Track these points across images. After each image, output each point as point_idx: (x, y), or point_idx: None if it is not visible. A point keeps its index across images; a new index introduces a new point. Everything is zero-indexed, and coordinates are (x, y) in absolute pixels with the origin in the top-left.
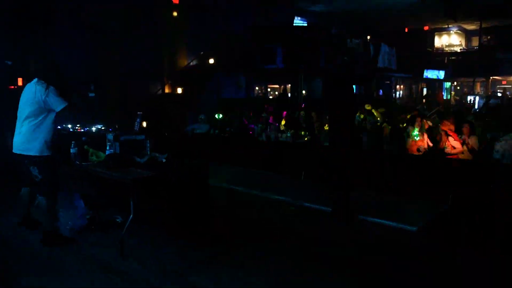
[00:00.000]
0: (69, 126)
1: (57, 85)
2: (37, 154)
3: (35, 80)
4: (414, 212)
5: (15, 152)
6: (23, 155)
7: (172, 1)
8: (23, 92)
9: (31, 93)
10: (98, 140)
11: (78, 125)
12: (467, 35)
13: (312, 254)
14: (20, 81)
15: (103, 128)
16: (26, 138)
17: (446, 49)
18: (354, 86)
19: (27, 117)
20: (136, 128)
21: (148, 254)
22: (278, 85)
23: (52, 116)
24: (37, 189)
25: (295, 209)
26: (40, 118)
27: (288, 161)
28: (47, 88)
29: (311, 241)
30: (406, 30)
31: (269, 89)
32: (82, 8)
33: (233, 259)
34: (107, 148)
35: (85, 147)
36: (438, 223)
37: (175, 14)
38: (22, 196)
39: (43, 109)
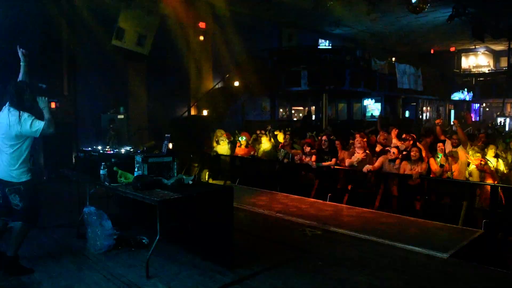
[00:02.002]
0: (99, 148)
1: (28, 106)
2: (17, 181)
3: (6, 107)
4: (445, 238)
5: None
6: (5, 181)
7: (199, 26)
8: (1, 116)
9: (5, 123)
10: (126, 161)
11: (107, 147)
12: (495, 55)
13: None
14: (52, 104)
15: (132, 150)
16: (7, 165)
17: (474, 70)
18: (380, 107)
19: (5, 145)
20: (164, 150)
21: (173, 275)
22: (303, 107)
23: (29, 141)
24: (7, 217)
25: (321, 233)
26: (17, 146)
27: (313, 185)
28: (19, 116)
29: (332, 262)
30: (432, 51)
31: (293, 111)
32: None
33: (259, 283)
34: (136, 169)
35: (114, 168)
36: (471, 250)
37: (201, 38)
38: None
39: (19, 138)
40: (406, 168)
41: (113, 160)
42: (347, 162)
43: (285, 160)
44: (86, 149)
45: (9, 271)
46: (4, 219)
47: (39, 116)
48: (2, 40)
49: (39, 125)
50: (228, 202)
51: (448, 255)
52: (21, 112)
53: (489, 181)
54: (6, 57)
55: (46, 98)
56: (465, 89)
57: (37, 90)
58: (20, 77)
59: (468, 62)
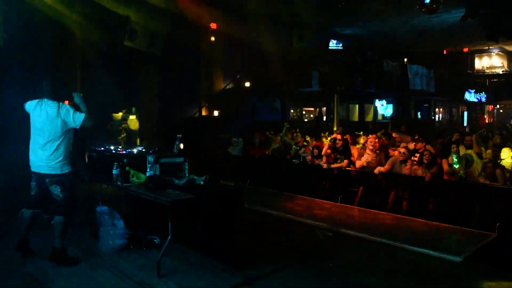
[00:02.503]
0: (112, 148)
1: (66, 99)
2: (59, 172)
3: (44, 100)
4: (458, 241)
5: (34, 170)
6: (44, 173)
7: (210, 26)
8: (33, 111)
9: (44, 116)
10: (139, 162)
11: (120, 147)
12: (509, 56)
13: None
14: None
15: (143, 150)
16: (48, 157)
17: (487, 71)
18: (391, 109)
19: (46, 138)
20: (175, 150)
21: (184, 275)
22: (313, 108)
23: (70, 134)
24: (51, 209)
25: (332, 235)
26: (60, 139)
27: (324, 185)
28: (59, 107)
29: (343, 264)
30: (445, 52)
31: (304, 112)
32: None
33: (269, 284)
34: (148, 169)
35: (127, 168)
36: (485, 253)
37: (212, 39)
38: (22, 218)
39: (62, 129)
40: (418, 172)
41: (125, 160)
42: (357, 164)
43: (296, 162)
44: (99, 149)
45: (57, 261)
46: (36, 211)
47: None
48: (17, 40)
49: (80, 117)
50: (238, 203)
51: (462, 258)
52: (60, 103)
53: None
54: (22, 56)
55: (81, 94)
56: (475, 90)
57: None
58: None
59: (482, 63)
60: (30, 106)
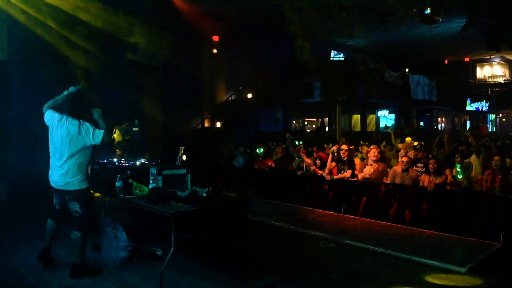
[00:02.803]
0: (115, 160)
1: (85, 116)
2: (77, 188)
3: (64, 117)
4: (462, 251)
5: (53, 186)
6: (64, 190)
7: (212, 39)
8: (54, 126)
9: (64, 134)
10: (142, 174)
11: (123, 159)
12: (511, 65)
13: None
14: None
15: (146, 162)
16: (66, 174)
17: (489, 80)
18: (394, 117)
19: (65, 156)
20: (178, 162)
21: (187, 287)
22: (316, 118)
23: (88, 151)
24: (64, 223)
25: (335, 246)
26: (77, 155)
27: (327, 195)
28: (80, 125)
29: (347, 275)
30: (446, 61)
31: (306, 123)
32: (126, 45)
33: None
34: (150, 182)
35: (129, 180)
36: (490, 264)
37: (214, 51)
38: (47, 227)
39: (81, 147)
40: (425, 180)
41: (128, 172)
42: (359, 176)
43: (299, 173)
44: (102, 161)
45: (78, 276)
46: (57, 224)
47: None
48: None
49: (100, 134)
50: (242, 214)
51: (466, 269)
52: (81, 121)
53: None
54: (26, 70)
55: (100, 110)
56: (477, 99)
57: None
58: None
59: (483, 72)
60: (52, 119)
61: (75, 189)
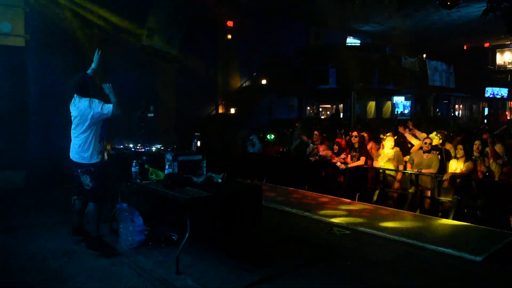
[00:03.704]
0: (131, 145)
1: (95, 93)
2: (88, 162)
3: (76, 96)
4: (479, 240)
5: (73, 160)
6: (78, 163)
7: (227, 24)
8: (71, 105)
9: (78, 109)
10: (157, 159)
11: (139, 145)
12: None
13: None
14: None
15: (162, 148)
16: (80, 148)
17: (509, 66)
18: (410, 104)
19: (78, 130)
20: (193, 148)
21: (202, 272)
22: (330, 105)
23: (99, 126)
24: (86, 197)
25: (350, 233)
26: (89, 131)
27: (342, 183)
28: (90, 102)
29: (361, 263)
30: (465, 47)
31: (320, 109)
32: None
33: (286, 283)
34: (166, 167)
35: (146, 166)
36: (507, 252)
37: (229, 36)
38: (74, 206)
39: (92, 122)
40: (451, 166)
41: (144, 158)
42: (375, 164)
43: (312, 159)
44: (118, 147)
45: (93, 247)
46: (80, 199)
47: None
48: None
49: (109, 107)
50: (256, 201)
51: (482, 258)
52: (91, 98)
53: None
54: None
55: (110, 85)
56: (497, 86)
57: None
58: (89, 71)
59: (504, 58)
60: (73, 100)
61: (86, 163)
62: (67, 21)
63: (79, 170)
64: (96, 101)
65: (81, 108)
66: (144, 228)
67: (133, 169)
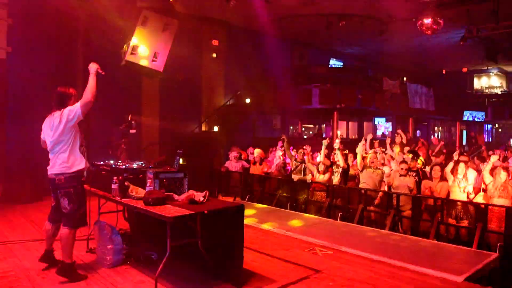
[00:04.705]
0: (111, 162)
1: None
2: (68, 175)
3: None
4: (459, 260)
5: (49, 177)
6: (56, 183)
7: (212, 43)
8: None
9: (50, 127)
10: (138, 176)
11: (119, 162)
12: (508, 76)
13: None
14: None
15: (144, 165)
16: (54, 163)
17: (486, 91)
18: (389, 125)
19: (51, 146)
20: (176, 165)
21: None
22: (314, 124)
23: (72, 136)
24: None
25: (332, 253)
26: (63, 143)
27: (324, 202)
28: (61, 113)
29: (344, 282)
30: (444, 71)
31: (303, 129)
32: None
33: None
34: (147, 184)
35: (126, 183)
36: (486, 273)
37: (214, 55)
38: (46, 228)
39: (65, 133)
40: (426, 186)
41: (124, 174)
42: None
43: (295, 179)
44: (98, 163)
45: (65, 275)
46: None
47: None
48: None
49: (76, 105)
50: (238, 220)
51: (463, 278)
52: (63, 109)
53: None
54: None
55: (96, 66)
56: (474, 110)
57: None
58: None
59: (481, 83)
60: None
61: (60, 172)
62: (51, 34)
63: (58, 192)
64: (67, 109)
65: (54, 124)
66: (122, 246)
67: (112, 186)
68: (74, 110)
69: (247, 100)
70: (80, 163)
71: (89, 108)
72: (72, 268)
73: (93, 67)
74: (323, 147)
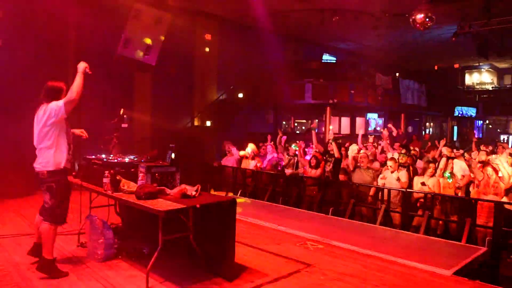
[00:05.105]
0: (103, 156)
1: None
2: (51, 169)
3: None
4: (448, 254)
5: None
6: (40, 177)
7: (205, 37)
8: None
9: (36, 120)
10: (130, 170)
11: (111, 156)
12: (499, 73)
13: None
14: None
15: (136, 159)
16: (39, 159)
17: (477, 87)
18: (382, 121)
19: (37, 141)
20: (168, 159)
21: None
22: (306, 120)
23: (57, 131)
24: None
25: (323, 247)
26: (48, 138)
27: (316, 197)
28: (46, 107)
29: (335, 276)
30: (436, 67)
31: (296, 124)
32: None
33: None
34: (139, 178)
35: (117, 177)
36: (475, 267)
37: (207, 49)
38: (36, 221)
39: (48, 129)
40: (416, 181)
41: (116, 168)
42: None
43: (288, 173)
44: (89, 157)
45: (45, 271)
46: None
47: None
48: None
49: (60, 103)
50: (230, 214)
51: (452, 272)
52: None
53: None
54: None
55: (85, 65)
56: (465, 105)
57: None
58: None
59: (472, 79)
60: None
61: (45, 170)
62: (42, 28)
63: (42, 188)
64: (52, 103)
65: (39, 117)
66: (114, 241)
67: (104, 180)
68: (58, 106)
69: (240, 95)
70: (62, 161)
71: (73, 106)
72: (52, 264)
73: (81, 66)
74: (314, 136)
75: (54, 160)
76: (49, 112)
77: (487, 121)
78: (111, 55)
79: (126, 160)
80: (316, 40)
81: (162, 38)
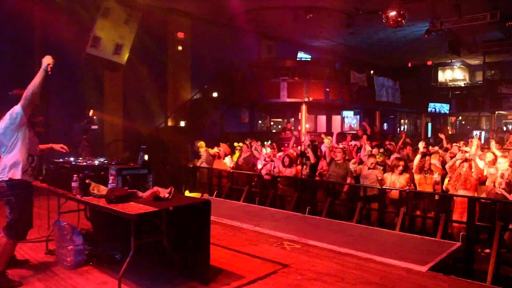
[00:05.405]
0: (71, 159)
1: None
2: (6, 179)
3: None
4: (423, 251)
5: None
6: (0, 190)
7: (177, 35)
8: None
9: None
10: (100, 174)
11: (80, 159)
12: (471, 69)
13: None
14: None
15: (106, 161)
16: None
17: (450, 83)
18: (358, 119)
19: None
20: (140, 161)
21: None
22: (282, 118)
23: (19, 139)
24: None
25: (300, 247)
26: (7, 146)
27: (292, 196)
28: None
29: (312, 276)
30: (410, 65)
31: (272, 123)
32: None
33: None
34: (109, 181)
35: (87, 180)
36: (450, 262)
37: (180, 48)
38: None
39: (8, 135)
40: (387, 179)
41: (85, 172)
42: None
43: (265, 177)
44: (57, 160)
45: None
46: None
47: None
48: None
49: (17, 107)
50: (205, 216)
51: (427, 268)
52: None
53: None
54: None
55: (50, 61)
56: (438, 102)
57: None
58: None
59: (445, 76)
60: None
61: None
62: (5, 28)
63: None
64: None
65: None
66: (84, 247)
67: (72, 184)
68: (15, 110)
69: (215, 94)
70: (18, 172)
71: (30, 104)
72: (4, 275)
73: (45, 61)
74: (292, 139)
75: (8, 169)
76: (9, 116)
77: (460, 117)
78: (79, 54)
79: (96, 163)
80: (291, 38)
81: (133, 36)
